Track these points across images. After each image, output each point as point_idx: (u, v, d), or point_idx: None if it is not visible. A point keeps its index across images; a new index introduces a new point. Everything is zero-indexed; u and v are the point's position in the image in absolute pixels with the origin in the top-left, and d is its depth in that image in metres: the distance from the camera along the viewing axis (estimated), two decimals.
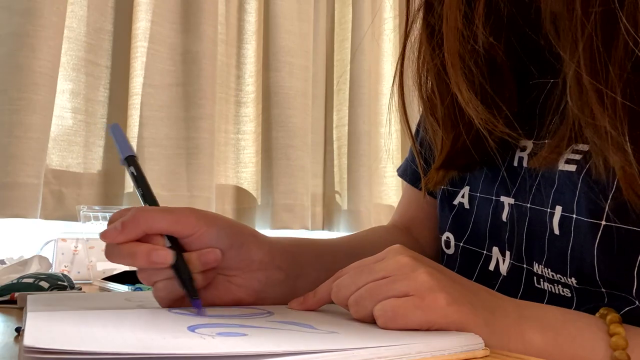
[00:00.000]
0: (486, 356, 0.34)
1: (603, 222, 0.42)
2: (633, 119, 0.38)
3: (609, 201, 0.42)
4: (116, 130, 0.51)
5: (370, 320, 0.39)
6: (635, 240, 0.41)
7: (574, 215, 0.44)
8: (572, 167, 0.45)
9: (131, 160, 0.49)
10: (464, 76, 0.45)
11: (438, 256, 0.68)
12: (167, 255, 0.43)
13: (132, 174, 0.49)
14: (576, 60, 0.39)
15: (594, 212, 0.43)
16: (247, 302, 0.48)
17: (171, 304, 0.45)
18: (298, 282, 0.52)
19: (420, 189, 0.66)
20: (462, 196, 0.58)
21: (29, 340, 0.27)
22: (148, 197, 0.48)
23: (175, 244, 0.44)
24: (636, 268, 0.41)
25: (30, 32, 1.11)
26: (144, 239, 0.44)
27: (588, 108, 0.39)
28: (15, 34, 1.10)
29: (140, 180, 0.49)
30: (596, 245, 0.43)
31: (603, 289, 0.43)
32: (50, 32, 1.14)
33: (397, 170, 0.73)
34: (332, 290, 0.42)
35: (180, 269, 0.43)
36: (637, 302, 0.41)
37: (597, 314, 0.41)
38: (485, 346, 0.35)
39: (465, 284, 0.41)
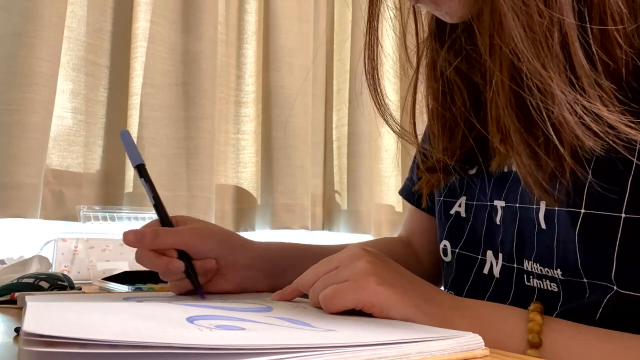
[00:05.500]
0: (485, 356, 0.34)
1: (582, 211, 0.45)
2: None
3: (585, 190, 0.44)
4: (125, 137, 0.65)
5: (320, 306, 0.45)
6: (613, 226, 0.43)
7: (556, 207, 0.47)
8: None
9: (141, 169, 0.63)
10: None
11: (435, 266, 0.76)
12: (180, 265, 0.60)
13: (142, 182, 0.63)
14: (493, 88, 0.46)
15: (573, 202, 0.45)
16: (234, 293, 0.65)
17: (183, 293, 0.62)
18: (276, 280, 0.66)
19: (414, 204, 0.77)
20: (459, 205, 0.62)
21: (29, 326, 0.27)
22: (159, 209, 0.63)
23: (184, 254, 0.61)
24: (615, 253, 0.43)
25: (30, 32, 1.11)
26: (160, 250, 0.60)
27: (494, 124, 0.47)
28: (15, 34, 1.10)
29: (149, 189, 0.63)
30: (577, 234, 0.45)
31: (585, 279, 0.45)
32: (50, 32, 1.14)
33: (399, 191, 0.82)
34: (299, 280, 0.50)
35: (189, 272, 0.60)
36: (615, 287, 0.43)
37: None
38: (485, 346, 0.35)
39: (405, 275, 0.47)
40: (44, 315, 0.32)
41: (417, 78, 0.60)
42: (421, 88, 0.60)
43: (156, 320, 0.34)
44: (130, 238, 0.59)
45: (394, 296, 0.43)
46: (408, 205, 0.80)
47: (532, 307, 0.45)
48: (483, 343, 0.35)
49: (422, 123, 0.62)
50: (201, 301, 0.50)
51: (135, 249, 0.61)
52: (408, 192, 0.78)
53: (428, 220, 0.75)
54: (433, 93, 0.59)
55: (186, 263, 0.60)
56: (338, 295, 0.44)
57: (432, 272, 0.75)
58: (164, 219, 0.63)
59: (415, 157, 0.77)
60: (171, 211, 0.64)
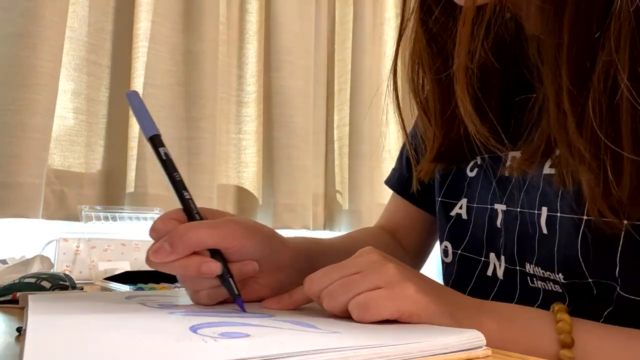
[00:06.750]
0: (488, 356, 0.34)
1: (585, 217, 0.45)
2: (604, 144, 0.40)
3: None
4: (134, 101, 0.51)
5: (342, 313, 0.41)
6: (615, 232, 0.43)
7: (558, 214, 0.47)
8: (554, 171, 0.48)
9: (156, 141, 0.49)
10: (466, 91, 0.47)
11: (420, 261, 0.75)
12: (216, 267, 0.46)
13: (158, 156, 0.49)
14: (557, 85, 0.42)
15: (576, 208, 0.45)
16: (268, 298, 0.52)
17: (214, 304, 0.49)
18: None
19: (403, 196, 0.73)
20: (460, 207, 0.62)
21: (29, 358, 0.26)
22: (179, 190, 0.48)
23: (218, 254, 0.47)
24: (618, 259, 0.43)
25: (32, 33, 1.11)
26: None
27: (564, 131, 0.42)
28: (17, 34, 1.11)
29: (167, 165, 0.49)
30: (579, 239, 0.45)
31: (590, 279, 0.45)
32: (52, 32, 1.14)
33: (385, 181, 0.78)
34: (305, 283, 0.44)
35: (225, 277, 0.46)
36: (618, 286, 0.43)
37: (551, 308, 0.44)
38: (487, 346, 0.35)
39: (429, 280, 0.44)
40: (47, 347, 0.31)
41: (397, 55, 0.58)
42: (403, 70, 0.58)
43: (159, 333, 0.33)
44: (152, 256, 0.45)
45: (433, 305, 0.40)
46: (393, 195, 0.77)
47: (557, 307, 0.43)
48: (485, 342, 0.35)
49: (411, 113, 0.61)
50: (204, 307, 0.47)
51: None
52: (397, 184, 0.75)
53: (417, 212, 0.73)
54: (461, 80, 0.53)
55: (224, 265, 0.47)
56: (374, 305, 0.40)
57: (415, 264, 0.74)
58: (190, 210, 0.48)
59: (403, 148, 0.76)
60: None
